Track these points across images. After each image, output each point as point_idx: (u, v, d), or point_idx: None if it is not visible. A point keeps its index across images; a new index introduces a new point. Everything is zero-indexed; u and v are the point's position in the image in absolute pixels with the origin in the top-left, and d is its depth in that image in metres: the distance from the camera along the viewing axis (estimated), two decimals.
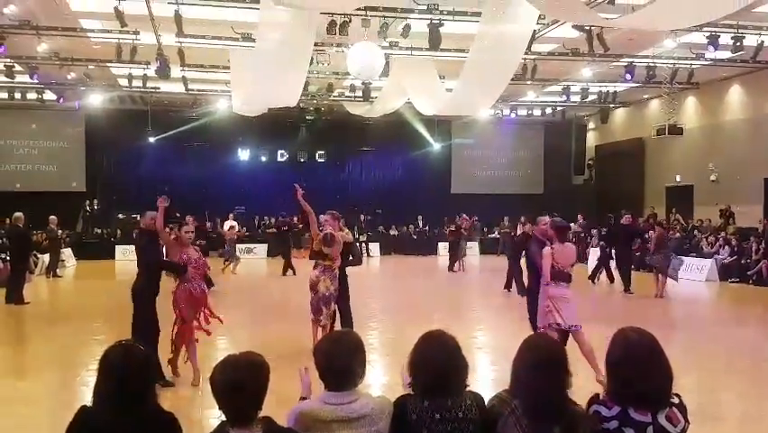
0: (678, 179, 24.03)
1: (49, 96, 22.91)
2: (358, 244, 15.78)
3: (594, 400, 2.86)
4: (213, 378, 2.69)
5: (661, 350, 2.83)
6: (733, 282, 17.61)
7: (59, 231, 19.60)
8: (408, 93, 17.45)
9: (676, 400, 2.82)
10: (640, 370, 2.75)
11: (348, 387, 2.86)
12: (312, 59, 14.61)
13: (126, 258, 22.17)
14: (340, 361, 2.87)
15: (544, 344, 3.01)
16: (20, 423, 6.03)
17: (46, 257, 19.11)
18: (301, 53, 12.42)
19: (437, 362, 2.91)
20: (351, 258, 9.14)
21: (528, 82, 19.09)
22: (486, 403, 2.93)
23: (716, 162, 21.90)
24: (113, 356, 2.73)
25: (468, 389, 2.96)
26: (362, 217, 26.99)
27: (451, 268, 21.07)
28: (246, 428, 2.60)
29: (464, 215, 22.12)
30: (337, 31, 13.57)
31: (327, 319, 8.43)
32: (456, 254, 21.07)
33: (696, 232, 21.25)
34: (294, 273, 18.61)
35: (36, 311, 12.91)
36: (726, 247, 18.72)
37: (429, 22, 13.60)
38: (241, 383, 2.61)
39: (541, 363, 2.84)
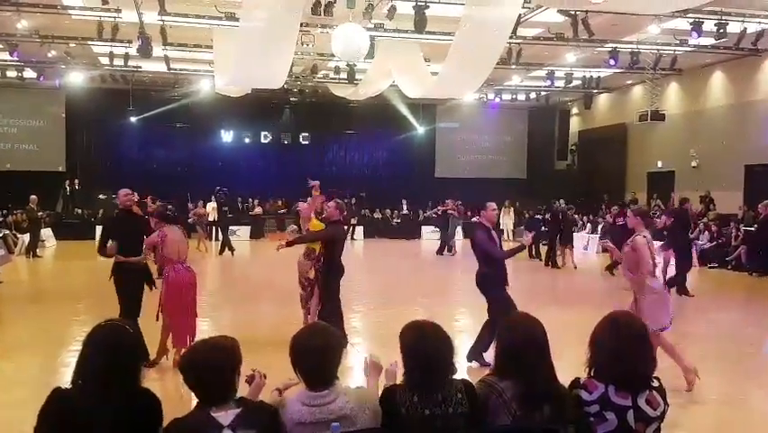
0: (660, 164, 24.16)
1: (29, 74, 22.54)
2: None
3: (575, 384, 2.88)
4: (182, 366, 2.71)
5: (647, 334, 2.87)
6: (712, 267, 17.78)
7: (39, 211, 19.37)
8: (393, 75, 17.37)
9: (656, 384, 2.85)
10: (627, 352, 2.78)
11: (325, 386, 2.78)
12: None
13: None
14: (315, 360, 2.78)
15: (526, 324, 3.01)
16: None
17: (26, 237, 18.91)
18: (287, 34, 12.28)
19: (431, 357, 2.85)
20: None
21: (513, 66, 19.03)
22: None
23: (697, 149, 22.01)
24: (102, 334, 2.73)
25: (455, 376, 2.93)
26: (346, 200, 26.85)
27: (440, 252, 20.77)
28: (222, 408, 2.61)
29: (448, 201, 21.94)
30: (322, 11, 13.47)
31: (305, 302, 8.42)
32: (446, 237, 20.81)
33: None
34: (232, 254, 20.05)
35: (15, 292, 12.77)
36: (706, 233, 18.89)
37: (415, 4, 13.51)
38: (212, 369, 2.63)
39: (528, 344, 2.86)
